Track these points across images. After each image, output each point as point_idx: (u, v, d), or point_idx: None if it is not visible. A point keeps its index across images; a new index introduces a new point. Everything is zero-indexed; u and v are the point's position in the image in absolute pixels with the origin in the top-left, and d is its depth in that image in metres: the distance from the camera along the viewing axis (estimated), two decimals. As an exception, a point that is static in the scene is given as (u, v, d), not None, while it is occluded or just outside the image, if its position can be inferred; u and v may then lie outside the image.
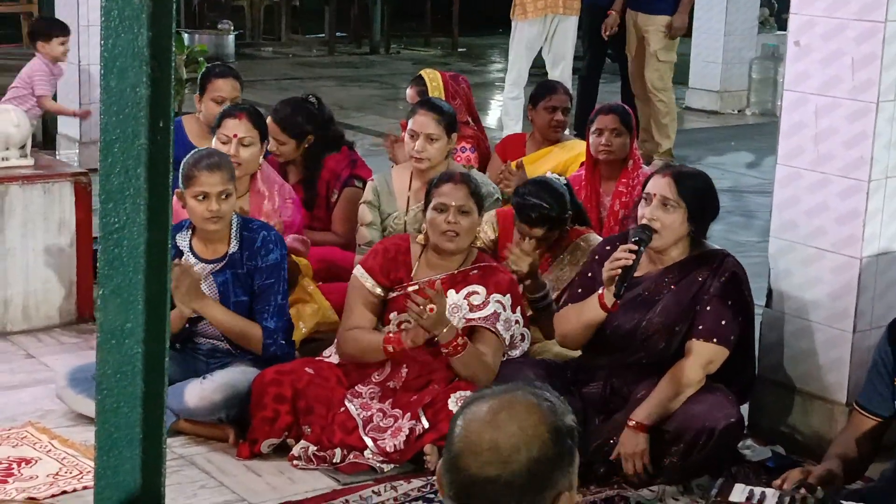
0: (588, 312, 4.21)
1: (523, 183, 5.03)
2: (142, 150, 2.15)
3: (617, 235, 4.51)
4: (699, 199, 4.21)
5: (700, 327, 4.14)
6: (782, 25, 12.69)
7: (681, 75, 10.14)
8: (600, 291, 4.16)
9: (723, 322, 4.13)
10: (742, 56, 11.73)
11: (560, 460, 1.93)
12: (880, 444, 3.82)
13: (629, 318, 4.21)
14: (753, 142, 10.42)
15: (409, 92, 6.51)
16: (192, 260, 4.47)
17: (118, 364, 2.19)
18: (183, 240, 4.50)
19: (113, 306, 2.17)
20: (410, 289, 4.30)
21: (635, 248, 4.07)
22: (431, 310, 4.08)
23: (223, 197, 4.38)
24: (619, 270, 4.05)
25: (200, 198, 4.37)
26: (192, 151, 4.57)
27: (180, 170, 4.44)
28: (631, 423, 4.06)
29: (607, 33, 9.26)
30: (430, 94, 6.18)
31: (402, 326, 4.26)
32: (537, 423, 1.92)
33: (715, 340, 4.12)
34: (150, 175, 2.16)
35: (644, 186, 4.28)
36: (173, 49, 2.13)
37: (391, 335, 4.26)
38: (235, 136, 5.03)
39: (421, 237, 4.40)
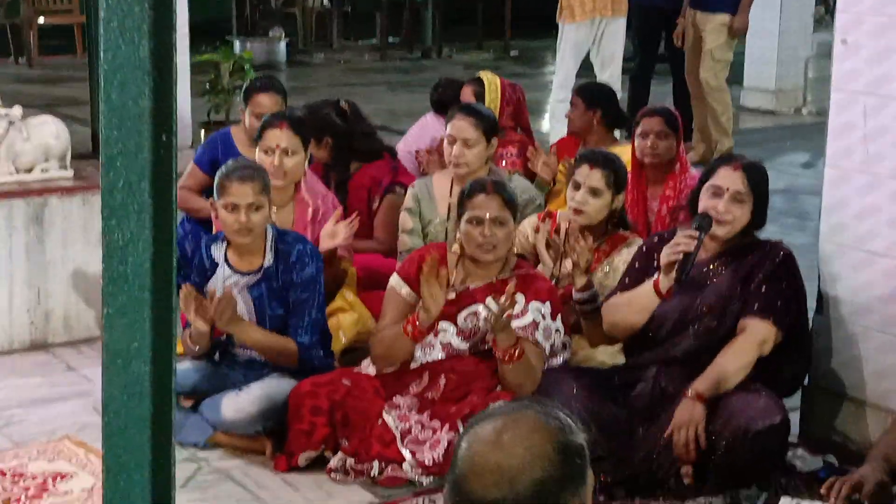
0: (641, 298, 4.17)
1: None
2: (145, 165, 2.09)
3: (668, 231, 4.44)
4: (764, 190, 4.18)
5: (756, 305, 4.06)
6: (839, 22, 12.48)
7: (736, 74, 9.98)
8: (655, 277, 4.12)
9: (778, 303, 4.07)
10: (797, 54, 11.53)
11: (568, 480, 1.86)
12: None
13: (679, 302, 4.14)
14: (809, 142, 10.22)
15: (466, 90, 6.44)
16: (228, 272, 4.41)
17: (125, 385, 2.12)
18: (218, 251, 4.45)
19: (119, 326, 2.11)
20: (448, 297, 4.21)
21: (696, 234, 4.01)
22: (513, 301, 4.00)
23: (254, 209, 4.31)
24: (680, 256, 4.01)
25: (230, 209, 4.31)
26: (228, 161, 4.51)
27: (215, 180, 4.40)
28: (689, 393, 3.97)
29: (680, 42, 9.12)
30: (487, 97, 6.17)
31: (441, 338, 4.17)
32: (543, 441, 1.86)
33: (771, 320, 4.04)
34: (155, 190, 2.10)
35: (706, 176, 4.20)
36: (175, 60, 2.06)
37: (408, 317, 4.19)
38: (278, 146, 4.96)
39: (456, 247, 4.32)
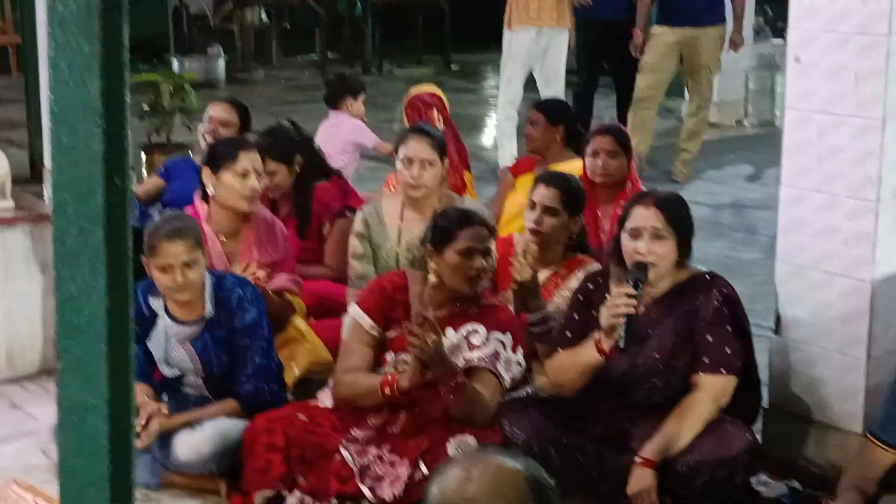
0: (584, 359, 4.02)
1: None
2: (98, 210, 1.98)
3: (598, 272, 4.29)
4: (685, 222, 4.06)
5: (706, 360, 3.96)
6: (777, 34, 12.54)
7: (677, 88, 9.98)
8: (596, 336, 3.97)
9: (727, 350, 3.97)
10: (738, 66, 11.53)
11: None
12: (893, 476, 3.64)
13: (623, 359, 4.00)
14: (753, 153, 10.25)
15: (422, 97, 6.56)
16: (168, 322, 4.28)
17: (81, 442, 2.02)
18: (157, 301, 4.29)
19: (74, 380, 2.00)
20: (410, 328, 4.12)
21: (634, 292, 3.87)
22: (435, 341, 3.88)
23: (188, 267, 4.14)
24: (624, 319, 3.85)
25: (164, 269, 4.14)
26: (155, 218, 4.35)
27: (145, 237, 4.24)
28: (638, 461, 3.89)
29: (639, 52, 9.09)
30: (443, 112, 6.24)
31: (400, 368, 4.08)
32: (513, 474, 1.89)
33: (723, 371, 3.95)
34: (108, 237, 2.00)
35: (623, 220, 4.08)
36: (127, 100, 1.96)
37: (388, 377, 4.08)
38: (255, 169, 4.88)
39: (433, 277, 4.17)
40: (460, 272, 4.10)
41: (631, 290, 3.87)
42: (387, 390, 4.06)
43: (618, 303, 3.87)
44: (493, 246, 4.17)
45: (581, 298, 4.18)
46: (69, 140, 1.96)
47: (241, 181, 4.81)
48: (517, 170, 6.31)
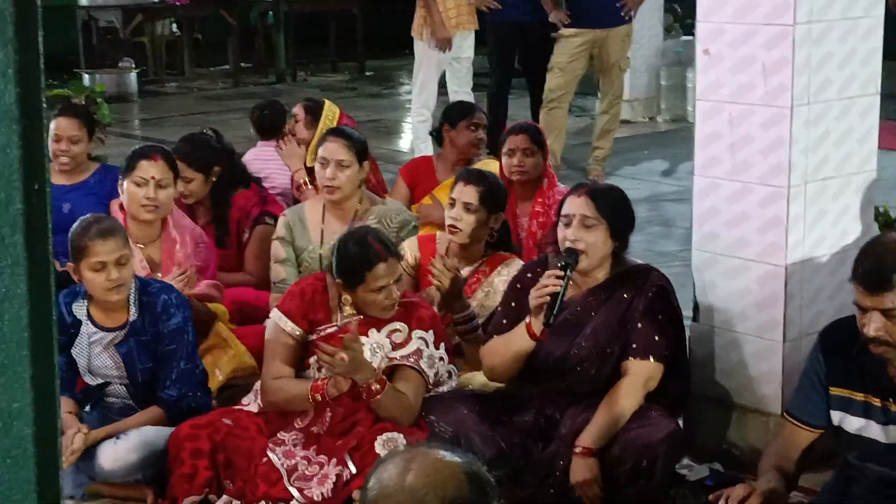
0: (516, 342, 4.08)
1: None
2: (18, 216, 1.97)
3: (536, 261, 4.38)
4: (618, 213, 4.11)
5: (634, 346, 4.04)
6: (687, 31, 12.71)
7: (590, 86, 10.08)
8: (527, 320, 4.03)
9: (656, 338, 4.04)
10: (650, 63, 11.69)
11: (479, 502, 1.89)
12: (811, 454, 3.73)
13: (558, 345, 4.08)
14: (667, 149, 10.38)
15: (298, 107, 6.44)
16: (92, 329, 4.25)
17: (7, 449, 2.01)
18: (80, 308, 4.26)
19: (-3, 387, 2.00)
20: (330, 330, 4.14)
21: (562, 273, 3.93)
22: (342, 358, 3.90)
23: (121, 263, 4.14)
24: (548, 298, 3.91)
25: (98, 268, 4.12)
26: (78, 220, 4.31)
27: (68, 242, 4.16)
28: (577, 450, 3.95)
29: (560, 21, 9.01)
30: (323, 120, 6.21)
31: (324, 371, 4.08)
32: (452, 467, 1.91)
33: (651, 358, 4.03)
34: (28, 242, 1.99)
35: (559, 209, 4.17)
36: (44, 105, 1.96)
37: (318, 383, 4.08)
38: (153, 177, 4.81)
39: (348, 308, 4.15)
40: (375, 304, 4.11)
41: (558, 272, 3.93)
42: (318, 397, 4.06)
43: (545, 282, 3.93)
44: (403, 259, 4.23)
45: (518, 287, 4.23)
46: (-15, 147, 1.96)
47: (138, 190, 4.79)
48: (410, 177, 6.31)
